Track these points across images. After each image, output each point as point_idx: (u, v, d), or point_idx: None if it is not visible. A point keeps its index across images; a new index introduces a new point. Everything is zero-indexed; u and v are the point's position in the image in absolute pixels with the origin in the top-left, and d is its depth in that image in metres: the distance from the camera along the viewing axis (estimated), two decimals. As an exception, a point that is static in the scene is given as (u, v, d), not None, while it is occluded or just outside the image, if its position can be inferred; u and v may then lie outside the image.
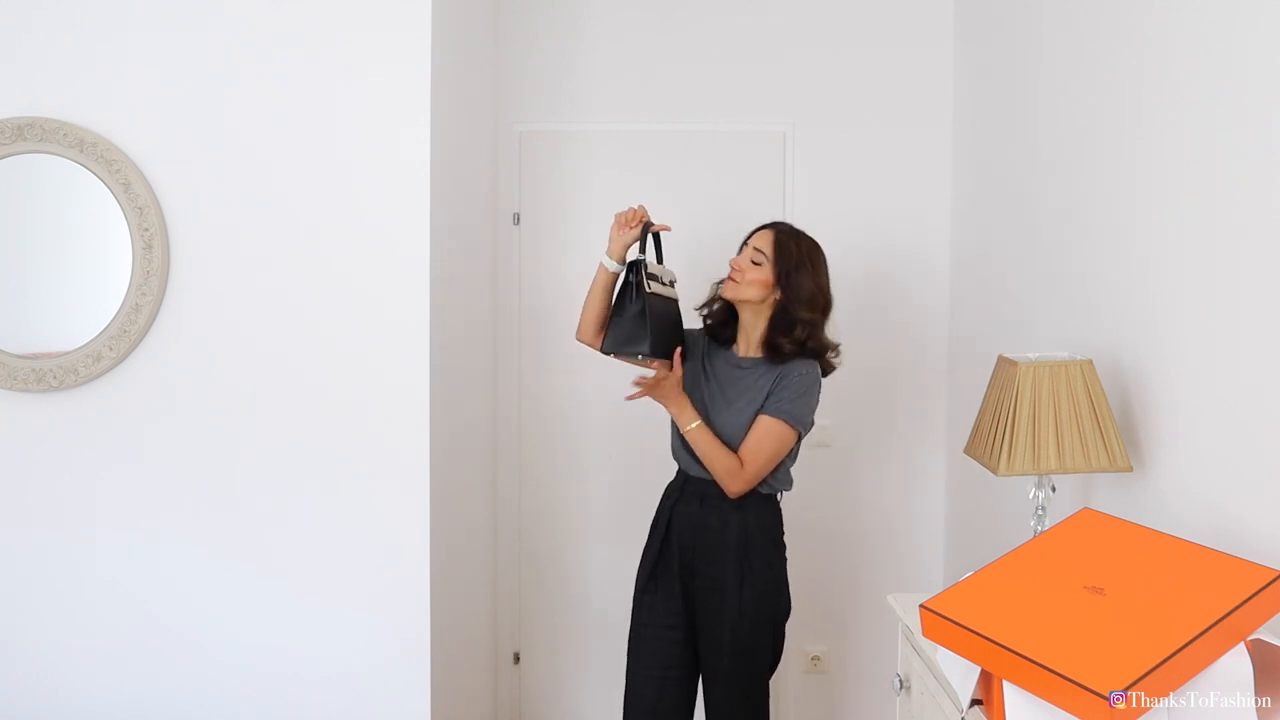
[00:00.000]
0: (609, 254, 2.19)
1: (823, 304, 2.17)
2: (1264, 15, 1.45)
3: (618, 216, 2.19)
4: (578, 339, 2.31)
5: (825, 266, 2.21)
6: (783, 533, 2.26)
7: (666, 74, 2.99)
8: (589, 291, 2.24)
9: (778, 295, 2.17)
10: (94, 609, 2.23)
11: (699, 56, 2.98)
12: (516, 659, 3.10)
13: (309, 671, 2.23)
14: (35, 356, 2.16)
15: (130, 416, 2.20)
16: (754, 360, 2.22)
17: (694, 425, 2.14)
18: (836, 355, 2.22)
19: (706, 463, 2.15)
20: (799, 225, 2.25)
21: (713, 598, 2.18)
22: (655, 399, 2.18)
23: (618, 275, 2.21)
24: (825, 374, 2.22)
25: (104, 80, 2.15)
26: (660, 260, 2.26)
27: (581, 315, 2.27)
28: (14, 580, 2.22)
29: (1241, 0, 1.51)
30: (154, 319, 2.18)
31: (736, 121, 2.99)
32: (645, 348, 2.12)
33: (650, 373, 2.19)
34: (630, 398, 2.18)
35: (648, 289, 2.13)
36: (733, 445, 2.15)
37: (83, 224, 2.16)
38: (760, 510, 2.20)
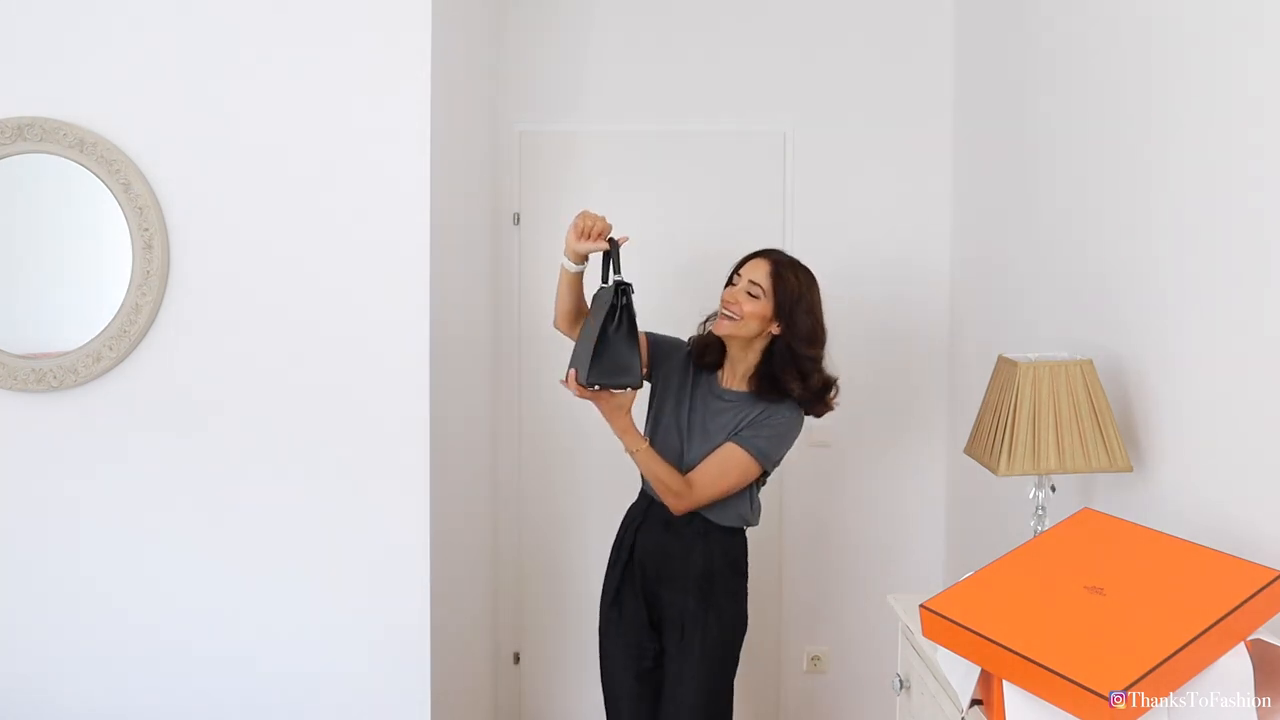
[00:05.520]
0: (567, 255, 2.09)
1: (822, 339, 2.10)
2: (1272, 13, 1.45)
3: (576, 223, 2.04)
4: (555, 327, 2.26)
5: (820, 296, 2.12)
6: (747, 563, 2.21)
7: (666, 74, 2.99)
8: (557, 291, 2.18)
9: (775, 329, 2.08)
10: (96, 607, 2.22)
11: (699, 56, 2.98)
12: (516, 659, 3.10)
13: (309, 671, 2.23)
14: (35, 356, 2.16)
15: (130, 417, 2.19)
16: (737, 394, 2.14)
17: (643, 448, 2.06)
18: (835, 395, 2.14)
19: (653, 482, 2.08)
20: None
21: (676, 630, 2.14)
22: (601, 412, 2.07)
23: (580, 274, 2.12)
24: (822, 414, 2.15)
25: (104, 80, 2.15)
26: (618, 271, 2.07)
27: (555, 308, 2.22)
28: (15, 579, 2.22)
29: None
30: (154, 319, 2.18)
31: (736, 121, 2.99)
32: (635, 380, 2.00)
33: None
34: (580, 396, 2.02)
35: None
36: None
37: (83, 224, 2.16)
38: (725, 540, 2.15)
